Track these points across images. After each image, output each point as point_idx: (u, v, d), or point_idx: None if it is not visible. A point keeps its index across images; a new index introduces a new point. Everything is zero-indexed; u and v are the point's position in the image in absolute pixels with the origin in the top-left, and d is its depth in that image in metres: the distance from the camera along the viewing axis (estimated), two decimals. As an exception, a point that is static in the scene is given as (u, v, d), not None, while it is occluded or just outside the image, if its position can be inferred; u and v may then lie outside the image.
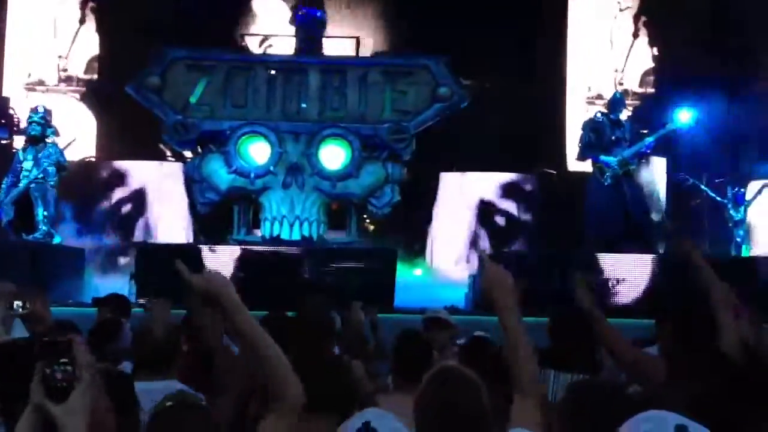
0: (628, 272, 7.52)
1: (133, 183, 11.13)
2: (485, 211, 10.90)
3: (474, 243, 10.76)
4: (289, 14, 10.47)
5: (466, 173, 11.07)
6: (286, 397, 1.82)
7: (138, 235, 10.67)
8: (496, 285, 2.06)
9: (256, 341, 1.84)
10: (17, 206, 8.32)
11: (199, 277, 1.85)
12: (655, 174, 10.63)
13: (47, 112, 8.68)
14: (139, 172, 11.16)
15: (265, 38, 12.21)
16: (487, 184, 11.09)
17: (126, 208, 11.01)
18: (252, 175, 8.14)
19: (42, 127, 8.43)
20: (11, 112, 11.51)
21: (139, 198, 11.01)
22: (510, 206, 10.95)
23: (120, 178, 11.21)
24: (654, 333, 3.87)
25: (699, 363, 2.50)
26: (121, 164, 11.26)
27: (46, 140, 8.50)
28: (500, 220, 10.78)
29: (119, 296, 5.12)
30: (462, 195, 10.97)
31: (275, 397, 1.83)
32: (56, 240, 8.40)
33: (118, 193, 11.12)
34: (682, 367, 2.68)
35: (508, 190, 11.06)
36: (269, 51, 11.47)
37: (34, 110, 8.69)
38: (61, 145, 8.61)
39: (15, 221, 8.31)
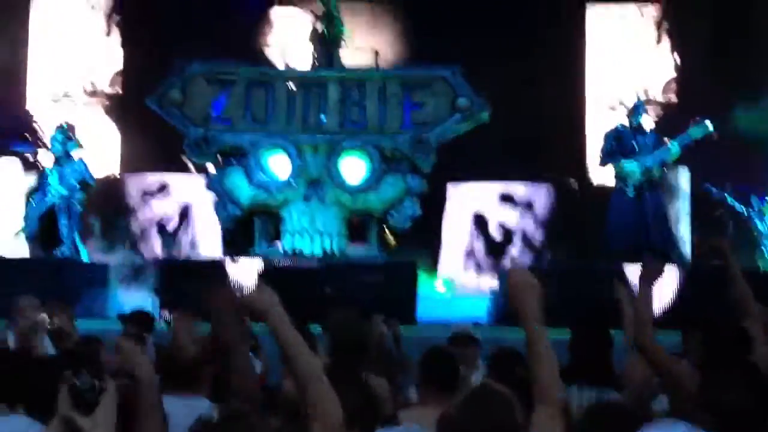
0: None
1: (159, 196, 11.23)
2: (504, 222, 10.85)
3: (494, 255, 10.71)
4: (308, 24, 10.49)
5: (483, 183, 11.02)
6: (326, 415, 1.83)
7: (163, 249, 10.75)
8: (522, 289, 2.06)
9: (299, 359, 1.89)
10: (44, 222, 8.42)
11: (250, 293, 1.92)
12: (679, 183, 10.52)
13: (69, 128, 8.79)
14: (161, 184, 11.26)
15: (285, 50, 12.30)
16: (506, 194, 11.04)
17: (151, 222, 11.10)
18: (273, 188, 8.17)
19: (63, 145, 8.54)
20: (35, 126, 11.65)
21: (164, 211, 11.10)
22: (534, 218, 10.90)
23: (144, 192, 11.31)
24: (681, 345, 3.84)
25: (731, 376, 2.48)
26: (146, 177, 11.37)
27: (70, 155, 8.60)
28: (519, 232, 10.72)
29: (143, 312, 5.16)
30: (480, 206, 10.94)
31: (315, 415, 1.83)
32: (83, 255, 8.49)
33: (143, 207, 11.22)
34: (713, 379, 2.66)
35: (527, 201, 11.00)
36: (288, 62, 11.54)
37: (59, 128, 8.82)
38: (85, 159, 8.71)
39: (40, 236, 8.41)
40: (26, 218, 8.50)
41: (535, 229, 10.71)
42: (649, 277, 3.17)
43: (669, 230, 8.45)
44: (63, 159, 8.57)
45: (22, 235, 8.55)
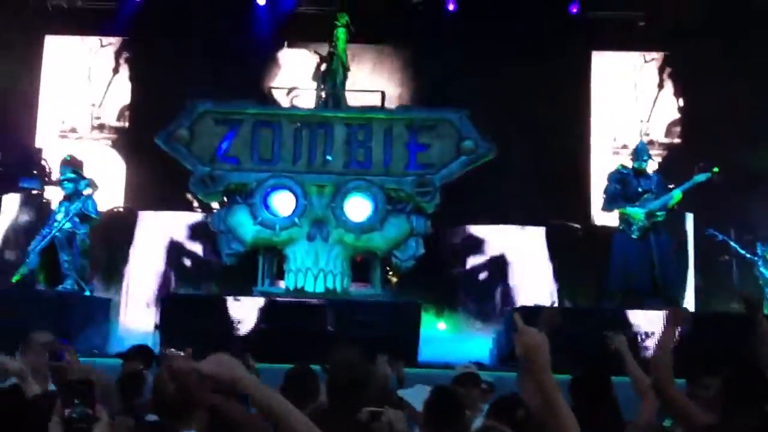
0: (657, 328, 7.41)
1: (162, 232, 11.28)
2: (505, 265, 10.85)
3: (496, 297, 10.69)
4: (314, 66, 10.62)
5: (487, 226, 11.07)
6: None
7: (166, 286, 10.77)
8: (533, 348, 2.07)
9: (285, 422, 1.76)
10: (47, 256, 8.42)
11: (208, 363, 1.71)
12: (682, 228, 10.54)
13: (76, 164, 8.85)
14: (166, 222, 11.32)
15: (291, 90, 12.44)
16: (509, 237, 11.07)
17: (155, 258, 11.12)
18: (277, 226, 8.20)
19: (74, 183, 8.61)
20: (43, 162, 11.76)
21: (167, 247, 11.14)
22: (532, 260, 10.90)
23: (149, 228, 11.36)
24: (686, 390, 3.83)
25: (751, 421, 2.48)
26: (150, 214, 11.43)
27: (82, 194, 8.65)
28: (522, 275, 10.72)
29: (143, 347, 5.15)
30: (482, 248, 10.96)
31: None
32: (86, 291, 8.48)
33: (147, 243, 11.26)
34: (733, 424, 2.66)
35: (530, 244, 11.02)
36: (295, 103, 11.67)
37: (64, 164, 8.86)
38: (95, 197, 8.75)
39: (43, 271, 8.41)
40: (29, 253, 8.51)
41: (536, 271, 10.71)
42: (676, 322, 3.20)
43: (675, 273, 8.43)
44: (73, 196, 8.62)
45: (22, 274, 8.55)
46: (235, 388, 1.71)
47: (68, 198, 8.63)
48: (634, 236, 8.34)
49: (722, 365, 3.33)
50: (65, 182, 8.61)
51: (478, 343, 8.90)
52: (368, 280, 8.64)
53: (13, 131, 13.27)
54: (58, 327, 6.92)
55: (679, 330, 3.21)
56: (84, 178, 8.72)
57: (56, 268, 8.42)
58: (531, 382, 2.15)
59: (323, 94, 9.54)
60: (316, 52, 10.58)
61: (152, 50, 14.03)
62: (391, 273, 10.52)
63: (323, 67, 10.18)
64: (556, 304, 10.08)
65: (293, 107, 9.07)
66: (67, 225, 8.44)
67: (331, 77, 9.47)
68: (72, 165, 8.88)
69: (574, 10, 13.21)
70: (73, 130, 14.41)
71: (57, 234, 8.39)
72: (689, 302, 9.56)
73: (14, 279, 8.48)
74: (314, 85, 10.06)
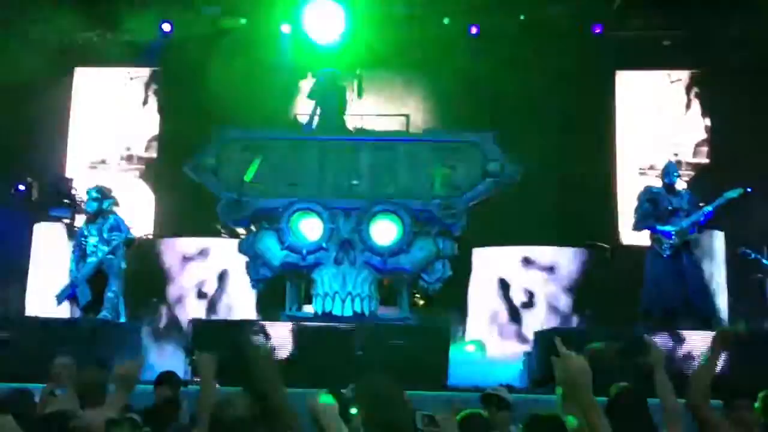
0: (690, 347, 7.30)
1: (190, 259, 11.37)
2: (533, 286, 10.79)
3: (525, 318, 10.61)
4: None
5: (511, 246, 11.02)
6: None
7: (195, 311, 10.84)
8: (576, 373, 2.06)
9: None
10: (91, 283, 8.50)
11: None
12: (714, 247, 10.41)
13: (104, 189, 8.96)
14: (196, 249, 11.42)
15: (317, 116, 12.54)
16: (538, 258, 11.00)
17: (183, 285, 11.21)
18: (304, 251, 8.23)
19: (98, 202, 8.69)
20: (74, 192, 11.94)
21: (196, 274, 11.23)
22: (562, 282, 10.83)
23: (177, 255, 11.46)
24: (722, 411, 3.76)
25: None
26: (178, 241, 11.54)
27: (105, 213, 8.73)
28: (552, 297, 10.64)
29: (170, 374, 5.19)
30: (507, 270, 10.90)
31: None
32: (122, 318, 8.56)
33: (175, 270, 11.35)
34: None
35: (559, 265, 10.94)
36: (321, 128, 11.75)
37: (92, 188, 8.99)
38: (120, 215, 8.84)
39: (90, 303, 8.47)
40: (72, 282, 8.60)
41: (563, 293, 10.62)
42: (724, 343, 3.17)
43: (708, 293, 8.31)
44: (98, 215, 8.70)
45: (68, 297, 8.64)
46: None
47: (93, 219, 8.71)
48: (665, 255, 8.25)
49: (758, 386, 3.28)
50: (90, 201, 8.72)
51: (508, 366, 8.83)
52: (396, 303, 8.62)
53: (44, 161, 13.53)
54: (92, 355, 7.01)
55: (727, 350, 3.18)
56: (108, 197, 8.81)
57: (95, 295, 8.49)
58: (572, 406, 2.13)
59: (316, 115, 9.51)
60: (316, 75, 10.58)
61: (179, 81, 14.27)
62: (418, 296, 10.51)
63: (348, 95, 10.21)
64: (585, 326, 9.98)
65: (318, 133, 9.10)
66: (105, 247, 8.47)
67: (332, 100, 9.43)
68: (101, 189, 8.99)
69: (598, 30, 13.22)
70: (103, 161, 14.66)
71: (105, 262, 8.45)
72: (722, 322, 9.41)
73: (58, 304, 8.59)
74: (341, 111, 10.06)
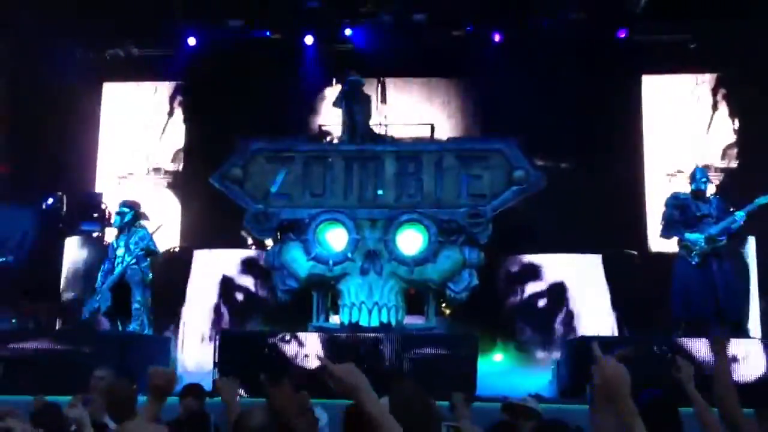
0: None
1: (217, 271, 11.45)
2: (562, 293, 10.69)
3: (554, 327, 10.52)
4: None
5: (543, 255, 10.95)
6: None
7: (223, 323, 10.90)
8: (614, 379, 2.05)
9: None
10: (114, 294, 8.59)
11: (340, 368, 2.02)
12: (746, 253, 10.24)
13: (134, 204, 9.06)
14: (221, 260, 11.49)
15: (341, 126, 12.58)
16: (564, 265, 10.92)
17: (210, 295, 11.28)
18: (330, 262, 8.23)
19: (122, 216, 8.79)
20: (103, 206, 12.07)
21: (221, 285, 11.29)
22: (589, 288, 10.73)
23: (204, 266, 11.55)
24: (756, 422, 3.69)
25: None
26: (205, 252, 11.62)
27: (134, 226, 8.82)
28: (579, 304, 10.54)
29: (195, 386, 5.21)
30: (539, 277, 10.83)
31: None
32: (148, 330, 8.62)
33: (204, 281, 11.43)
34: None
35: (587, 272, 10.84)
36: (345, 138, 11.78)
37: (121, 203, 9.10)
38: (150, 230, 8.94)
39: (112, 309, 8.57)
40: (98, 293, 8.70)
41: (593, 299, 10.52)
42: (719, 348, 3.13)
43: (740, 299, 8.16)
44: (125, 228, 8.80)
45: (91, 311, 8.73)
46: (354, 395, 2.00)
47: (122, 231, 8.82)
48: (694, 262, 8.11)
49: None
50: (116, 215, 8.83)
51: (537, 375, 8.75)
52: (423, 313, 8.58)
53: (74, 176, 13.71)
54: (119, 366, 7.06)
55: (726, 353, 3.12)
56: (134, 208, 8.90)
57: (123, 306, 8.57)
58: (606, 414, 2.11)
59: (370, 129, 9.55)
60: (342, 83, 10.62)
61: (205, 93, 14.40)
62: (444, 305, 10.46)
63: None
64: (615, 333, 9.87)
65: (343, 143, 9.12)
66: (129, 258, 8.58)
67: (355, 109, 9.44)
68: (125, 203, 9.10)
69: (623, 35, 13.12)
70: (131, 174, 14.83)
71: (128, 272, 8.56)
72: (755, 328, 9.25)
73: (84, 316, 8.68)
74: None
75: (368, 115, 9.22)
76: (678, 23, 13.02)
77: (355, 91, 9.20)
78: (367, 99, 9.37)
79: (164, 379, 2.80)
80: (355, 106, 9.01)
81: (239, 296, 11.21)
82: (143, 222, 8.90)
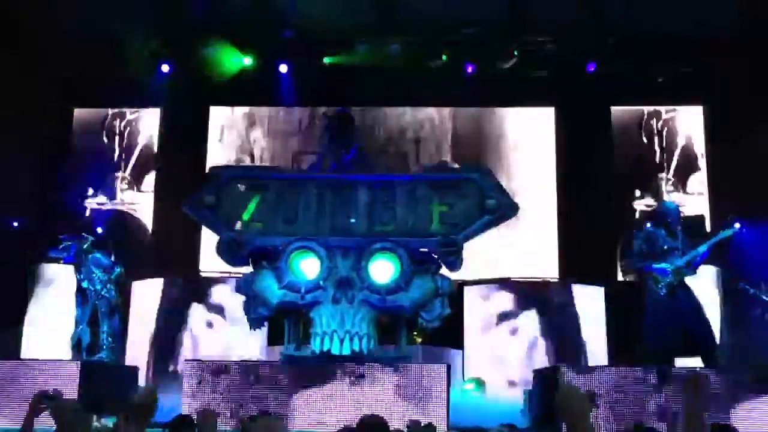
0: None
1: (185, 298, 11.36)
2: (535, 323, 10.76)
3: (526, 356, 10.56)
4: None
5: (515, 284, 11.03)
6: None
7: (186, 352, 10.79)
8: (574, 406, 2.07)
9: None
10: (91, 326, 8.52)
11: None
12: (710, 283, 10.41)
13: (74, 234, 9.00)
14: (188, 288, 11.42)
15: (315, 154, 12.63)
16: (539, 295, 10.99)
17: (178, 324, 11.17)
18: (302, 290, 8.20)
19: (69, 250, 8.75)
20: (62, 236, 11.93)
21: (190, 313, 11.20)
22: (562, 319, 10.81)
23: (173, 294, 11.45)
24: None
25: None
26: (173, 280, 11.54)
27: (85, 254, 8.75)
28: (552, 334, 10.61)
29: (184, 416, 5.14)
30: (504, 307, 10.90)
31: None
32: (115, 359, 8.53)
33: (171, 309, 11.33)
34: None
35: (559, 302, 10.93)
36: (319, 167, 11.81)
37: (61, 241, 9.05)
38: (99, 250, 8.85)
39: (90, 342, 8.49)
40: (77, 324, 8.62)
41: (564, 330, 10.59)
42: (695, 389, 3.13)
43: (707, 330, 8.27)
44: (80, 262, 8.77)
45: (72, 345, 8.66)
46: None
47: (77, 265, 8.77)
48: (662, 293, 8.24)
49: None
50: (62, 253, 8.79)
51: (507, 405, 8.76)
52: (394, 342, 8.56)
53: (42, 201, 13.56)
54: (87, 396, 6.95)
55: (699, 393, 3.13)
56: (79, 240, 8.84)
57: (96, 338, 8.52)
58: None
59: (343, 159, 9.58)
60: (325, 115, 10.69)
61: (178, 119, 14.39)
62: (416, 333, 10.46)
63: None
64: (586, 363, 9.92)
65: (317, 172, 9.14)
66: (97, 286, 8.51)
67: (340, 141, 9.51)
68: (65, 237, 9.05)
69: (592, 68, 13.38)
70: (101, 199, 14.72)
71: (97, 302, 8.49)
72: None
73: (71, 348, 8.59)
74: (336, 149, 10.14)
75: (351, 147, 9.28)
76: (646, 58, 13.32)
77: (341, 123, 9.26)
78: (353, 130, 9.44)
79: (144, 397, 2.76)
80: (340, 138, 9.06)
81: (207, 324, 11.12)
82: (87, 246, 8.82)
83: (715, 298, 10.45)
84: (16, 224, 12.02)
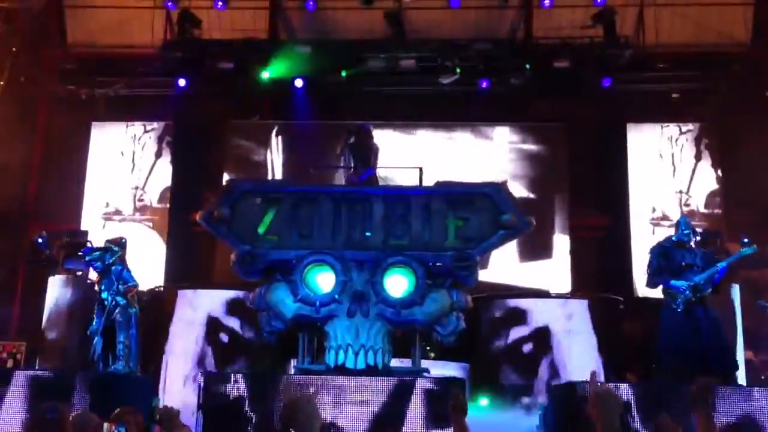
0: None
1: (200, 310, 11.37)
2: (548, 338, 10.70)
3: (541, 371, 10.49)
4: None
5: (529, 299, 10.98)
6: None
7: (202, 364, 10.78)
8: (606, 402, 2.07)
9: None
10: (104, 336, 8.54)
11: None
12: (730, 301, 10.32)
13: (107, 244, 9.05)
14: (205, 301, 11.42)
15: (330, 168, 12.67)
16: (551, 310, 10.94)
17: (193, 336, 11.18)
18: (317, 303, 8.19)
19: (101, 260, 8.78)
20: (89, 244, 12.00)
21: (206, 325, 11.21)
22: (576, 333, 10.74)
23: (187, 306, 11.46)
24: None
25: None
26: (188, 292, 11.55)
27: (111, 266, 8.80)
28: (566, 350, 10.54)
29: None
30: (525, 321, 10.84)
31: None
32: (133, 370, 8.54)
33: (185, 321, 11.34)
34: None
35: (573, 317, 10.86)
36: (333, 180, 11.86)
37: (89, 249, 9.09)
38: (126, 265, 8.90)
39: (103, 353, 8.52)
40: (91, 336, 8.65)
41: (579, 344, 10.52)
42: (701, 399, 3.10)
43: (726, 348, 8.18)
44: (105, 271, 8.81)
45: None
46: None
47: (103, 274, 8.80)
48: (679, 310, 8.17)
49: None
50: (93, 262, 8.82)
51: (523, 420, 8.69)
52: (408, 356, 8.53)
53: (60, 214, 13.66)
54: (103, 407, 6.95)
55: (707, 405, 3.08)
56: (111, 251, 8.88)
57: (112, 350, 8.54)
58: None
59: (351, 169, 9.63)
60: (349, 131, 10.74)
61: (193, 133, 14.47)
62: (429, 348, 10.41)
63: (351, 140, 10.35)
64: (602, 378, 9.84)
65: (332, 185, 9.17)
66: (111, 301, 8.55)
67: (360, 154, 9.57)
68: (94, 247, 9.09)
69: (607, 84, 13.37)
70: (117, 212, 14.79)
71: (113, 314, 8.54)
72: (741, 376, 9.26)
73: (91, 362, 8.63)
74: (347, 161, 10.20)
75: (373, 161, 9.34)
76: (661, 73, 13.32)
77: (362, 138, 9.31)
78: (373, 147, 9.50)
79: (168, 414, 2.82)
80: (361, 153, 9.11)
81: (224, 337, 11.13)
82: (113, 259, 8.87)
83: (737, 316, 10.35)
84: (41, 240, 12.10)
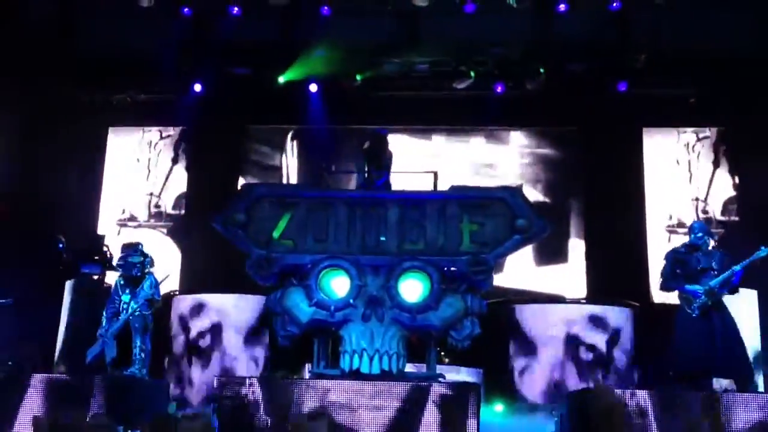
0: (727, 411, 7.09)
1: (213, 316, 11.40)
2: (566, 344, 10.65)
3: (557, 377, 10.45)
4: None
5: (542, 304, 10.94)
6: None
7: (217, 368, 10.82)
8: (610, 407, 2.06)
9: None
10: (118, 341, 8.59)
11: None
12: (746, 306, 10.23)
13: (143, 249, 9.10)
14: (219, 305, 11.46)
15: (345, 173, 12.70)
16: (568, 315, 10.89)
17: (206, 341, 11.21)
18: (332, 308, 8.20)
19: (140, 265, 8.84)
20: (105, 249, 12.10)
21: (217, 331, 11.24)
22: (591, 340, 10.69)
23: (200, 311, 11.50)
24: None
25: None
26: (202, 297, 11.60)
27: (146, 276, 8.86)
28: (583, 354, 10.49)
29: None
30: (542, 327, 10.81)
31: None
32: (146, 374, 8.59)
33: (198, 326, 11.38)
34: None
35: (589, 323, 10.81)
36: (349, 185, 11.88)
37: (131, 248, 9.10)
38: (157, 277, 8.95)
39: (116, 358, 8.56)
40: (101, 336, 8.67)
41: (602, 352, 10.48)
42: (709, 408, 3.07)
43: (742, 353, 8.11)
44: (140, 280, 8.85)
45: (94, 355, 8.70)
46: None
47: (132, 280, 8.83)
48: (694, 314, 8.12)
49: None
50: (132, 267, 8.84)
51: (538, 427, 8.65)
52: (425, 361, 8.51)
53: (77, 219, 13.75)
54: (118, 410, 6.99)
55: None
56: (147, 256, 8.96)
57: (126, 352, 8.58)
58: None
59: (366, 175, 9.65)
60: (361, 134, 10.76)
61: (209, 139, 14.54)
62: (443, 353, 10.39)
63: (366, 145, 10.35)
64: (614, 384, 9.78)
65: (347, 190, 9.18)
66: (136, 306, 8.61)
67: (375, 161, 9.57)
68: (134, 248, 9.13)
69: (623, 88, 13.32)
70: (132, 218, 14.88)
71: (131, 319, 8.60)
72: (759, 382, 9.19)
73: (87, 361, 8.63)
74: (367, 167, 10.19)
75: (388, 167, 9.35)
76: (678, 77, 13.25)
77: (378, 144, 9.33)
78: (388, 153, 9.52)
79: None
80: (376, 158, 9.13)
81: (239, 340, 11.15)
82: (150, 267, 8.94)
83: (755, 322, 10.26)
84: (60, 245, 12.20)
